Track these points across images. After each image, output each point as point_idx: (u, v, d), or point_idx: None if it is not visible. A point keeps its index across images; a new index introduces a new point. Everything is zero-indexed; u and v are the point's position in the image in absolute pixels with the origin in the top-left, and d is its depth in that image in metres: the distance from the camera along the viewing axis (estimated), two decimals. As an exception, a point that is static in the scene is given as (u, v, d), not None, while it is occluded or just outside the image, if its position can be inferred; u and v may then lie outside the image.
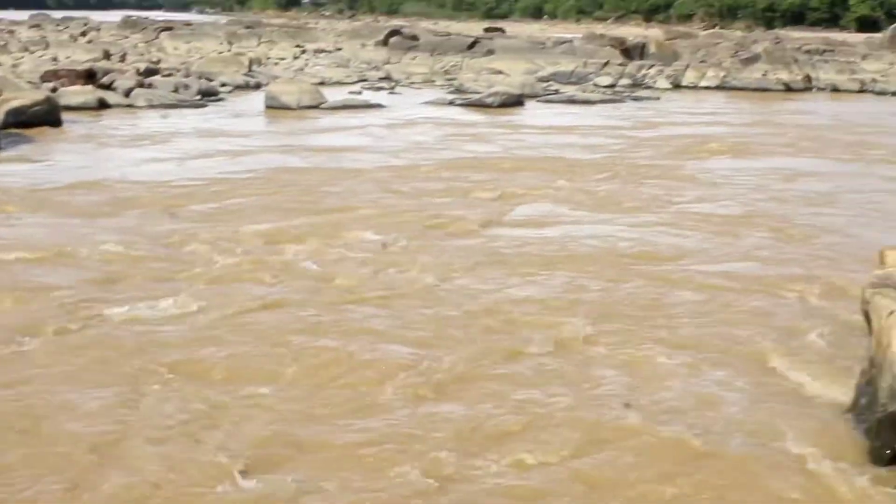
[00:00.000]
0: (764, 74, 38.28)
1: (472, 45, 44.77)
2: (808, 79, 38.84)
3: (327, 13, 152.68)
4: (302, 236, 11.90)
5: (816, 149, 21.57)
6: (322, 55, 48.37)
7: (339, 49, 51.96)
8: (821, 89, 38.33)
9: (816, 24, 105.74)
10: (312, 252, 11.18)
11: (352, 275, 10.22)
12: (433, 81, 37.38)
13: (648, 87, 36.74)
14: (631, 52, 42.04)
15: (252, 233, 11.93)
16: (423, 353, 7.95)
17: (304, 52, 49.75)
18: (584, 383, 7.50)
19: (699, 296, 9.86)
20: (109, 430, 6.50)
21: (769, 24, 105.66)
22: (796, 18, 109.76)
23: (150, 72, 31.44)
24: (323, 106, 26.63)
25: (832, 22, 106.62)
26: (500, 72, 38.16)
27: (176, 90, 28.31)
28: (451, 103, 29.00)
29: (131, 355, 7.79)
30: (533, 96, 31.00)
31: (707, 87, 37.58)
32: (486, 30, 61.52)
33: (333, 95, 28.47)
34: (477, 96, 29.25)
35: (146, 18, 70.16)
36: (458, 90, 32.44)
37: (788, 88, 37.46)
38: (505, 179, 16.25)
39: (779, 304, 9.62)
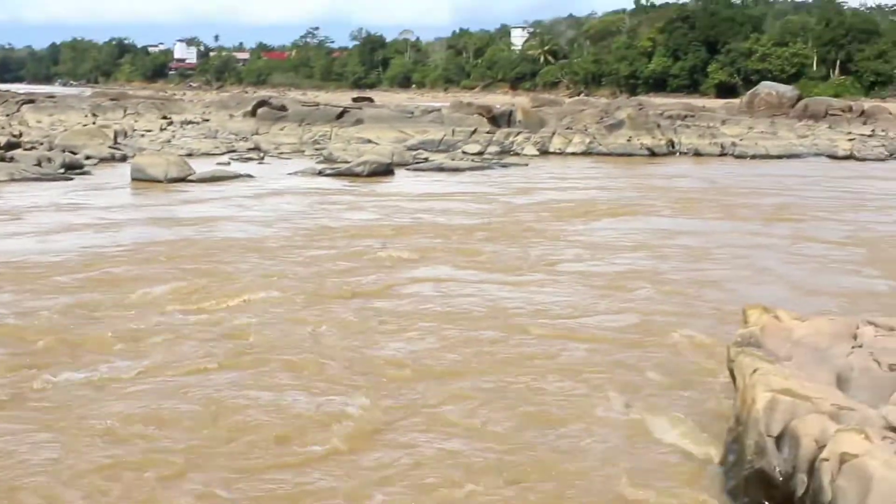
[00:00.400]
0: (628, 140, 39.14)
1: (340, 115, 44.88)
2: (671, 143, 39.87)
3: (194, 84, 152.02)
4: (201, 302, 11.90)
5: (688, 209, 22.18)
6: (189, 127, 47.85)
7: (207, 120, 51.45)
8: (683, 153, 39.35)
9: (678, 90, 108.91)
10: (218, 315, 11.25)
11: (264, 336, 10.45)
12: (302, 151, 37.24)
13: (516, 154, 37.22)
14: (498, 119, 42.58)
15: (145, 299, 11.89)
16: (338, 406, 8.30)
17: (171, 123, 49.18)
18: (474, 432, 7.90)
19: (578, 349, 10.18)
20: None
21: (633, 91, 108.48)
22: (658, 85, 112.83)
23: (12, 145, 30.70)
24: (191, 178, 26.22)
25: (693, 88, 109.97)
26: (369, 141, 38.32)
27: (39, 164, 27.68)
28: (320, 173, 28.86)
29: (70, 417, 7.98)
30: (402, 165, 31.11)
31: (574, 153, 38.24)
32: (355, 99, 61.64)
33: (202, 167, 28.10)
34: (346, 166, 29.24)
35: (7, 91, 68.39)
36: (328, 160, 32.41)
37: (652, 153, 38.36)
38: (390, 245, 16.28)
39: (653, 358, 9.86)
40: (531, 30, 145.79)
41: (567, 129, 41.26)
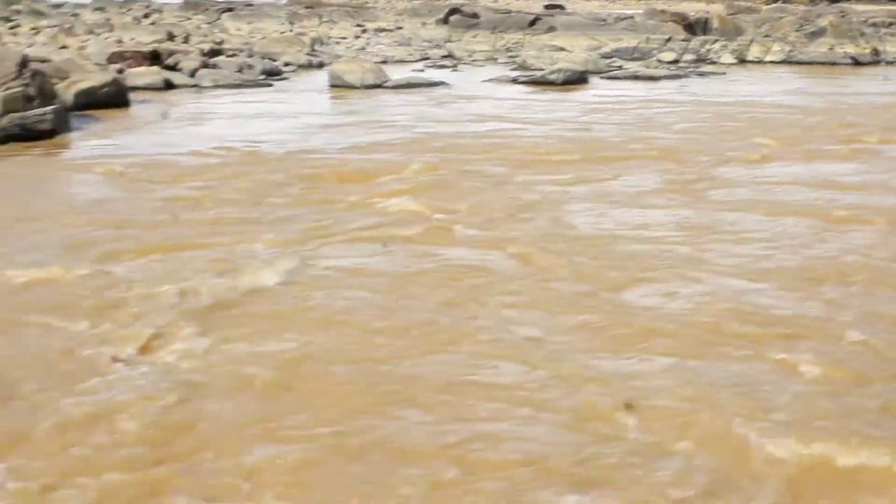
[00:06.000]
0: (830, 48, 37.71)
1: (533, 22, 44.50)
2: (875, 52, 38.22)
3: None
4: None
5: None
6: (383, 34, 48.29)
7: (400, 28, 51.87)
8: (889, 63, 37.64)
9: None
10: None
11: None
12: (495, 59, 37.14)
13: (713, 63, 36.32)
14: (693, 27, 41.63)
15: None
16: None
17: (364, 31, 49.76)
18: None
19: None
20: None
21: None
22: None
23: (214, 52, 31.60)
24: (386, 84, 26.41)
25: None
26: (562, 48, 37.98)
27: (240, 70, 28.43)
28: (514, 80, 28.67)
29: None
30: (597, 73, 30.68)
31: (773, 62, 37.11)
32: (547, 6, 61.22)
33: (396, 74, 28.33)
34: (540, 73, 28.93)
35: (207, 0, 70.48)
36: (521, 67, 32.28)
37: (856, 62, 36.86)
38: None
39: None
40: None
41: (765, 37, 40.04)
